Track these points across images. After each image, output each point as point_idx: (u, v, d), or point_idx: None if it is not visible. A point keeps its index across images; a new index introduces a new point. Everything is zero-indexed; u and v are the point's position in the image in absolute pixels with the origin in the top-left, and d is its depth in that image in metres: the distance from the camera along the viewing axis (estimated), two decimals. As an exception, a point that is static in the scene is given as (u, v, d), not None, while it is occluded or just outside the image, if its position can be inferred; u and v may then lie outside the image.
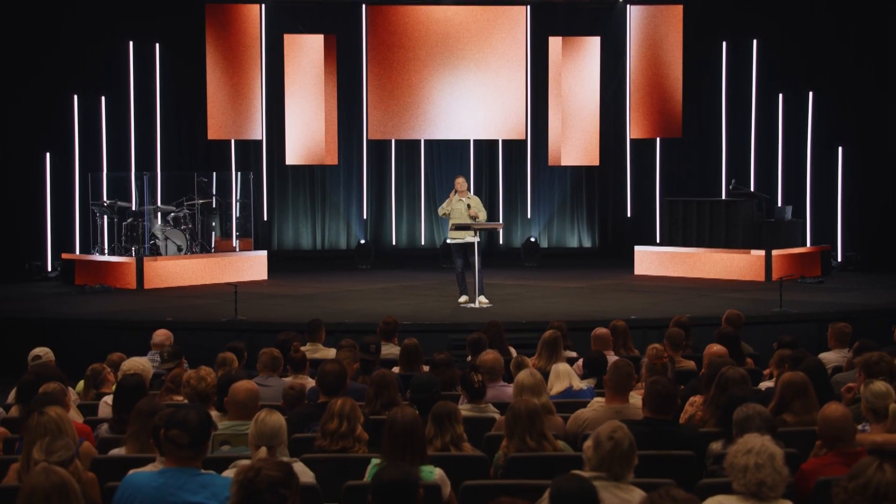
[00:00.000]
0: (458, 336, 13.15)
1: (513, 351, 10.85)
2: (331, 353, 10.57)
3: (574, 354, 10.67)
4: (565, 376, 8.70)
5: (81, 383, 9.11)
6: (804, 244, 20.56)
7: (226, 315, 14.63)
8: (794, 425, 6.88)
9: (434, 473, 5.71)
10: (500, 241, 23.42)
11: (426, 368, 9.56)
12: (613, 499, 4.97)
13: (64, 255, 19.54)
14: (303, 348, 10.54)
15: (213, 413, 7.09)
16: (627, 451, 5.07)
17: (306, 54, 22.33)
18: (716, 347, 9.01)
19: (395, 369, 9.99)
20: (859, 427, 6.62)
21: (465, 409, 7.85)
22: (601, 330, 10.50)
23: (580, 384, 8.73)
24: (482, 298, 15.71)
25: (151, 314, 14.97)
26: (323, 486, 5.85)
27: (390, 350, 10.84)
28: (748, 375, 7.28)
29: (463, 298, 15.93)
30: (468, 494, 5.67)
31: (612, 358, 10.18)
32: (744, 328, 13.79)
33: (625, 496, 5.00)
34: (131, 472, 5.19)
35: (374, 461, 5.82)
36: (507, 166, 23.51)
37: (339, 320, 14.20)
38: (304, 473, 5.77)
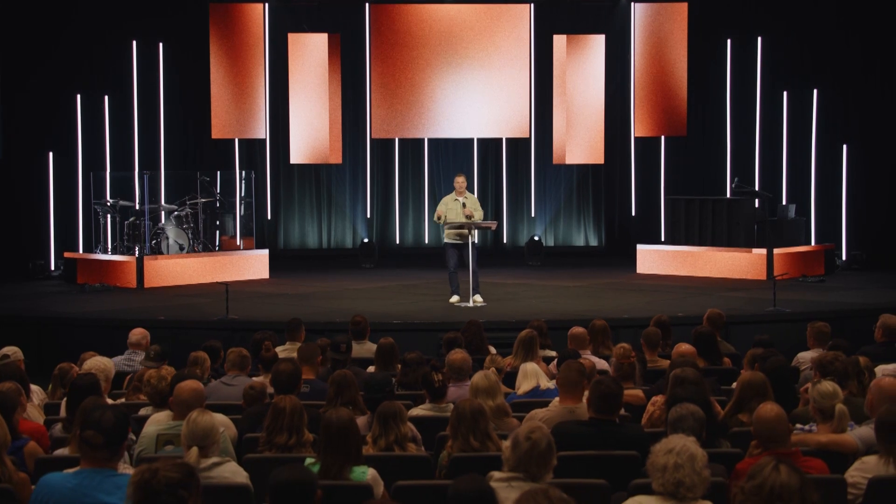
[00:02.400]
0: (449, 335, 13.14)
1: (492, 350, 10.83)
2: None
3: (553, 354, 10.62)
4: (533, 376, 8.68)
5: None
6: (808, 243, 20.46)
7: (218, 314, 14.64)
8: (749, 425, 6.84)
9: (367, 474, 5.70)
10: (504, 240, 23.41)
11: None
12: (530, 500, 4.94)
13: (66, 254, 19.60)
14: (281, 348, 10.60)
15: (167, 412, 7.10)
16: (545, 451, 5.05)
17: (310, 53, 22.35)
18: (684, 347, 9.00)
19: (371, 368, 10.02)
20: (806, 427, 6.59)
21: (425, 408, 7.87)
22: (577, 329, 10.47)
23: (548, 384, 8.69)
24: (477, 297, 15.70)
25: (145, 313, 15.03)
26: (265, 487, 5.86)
27: (365, 348, 10.85)
28: (701, 375, 7.23)
29: (454, 298, 15.89)
30: (399, 495, 5.67)
31: (588, 357, 10.19)
32: (736, 327, 13.92)
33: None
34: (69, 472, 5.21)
35: (309, 460, 5.82)
36: (510, 165, 23.45)
37: (330, 319, 14.24)
38: (238, 474, 5.79)
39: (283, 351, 10.47)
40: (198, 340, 12.87)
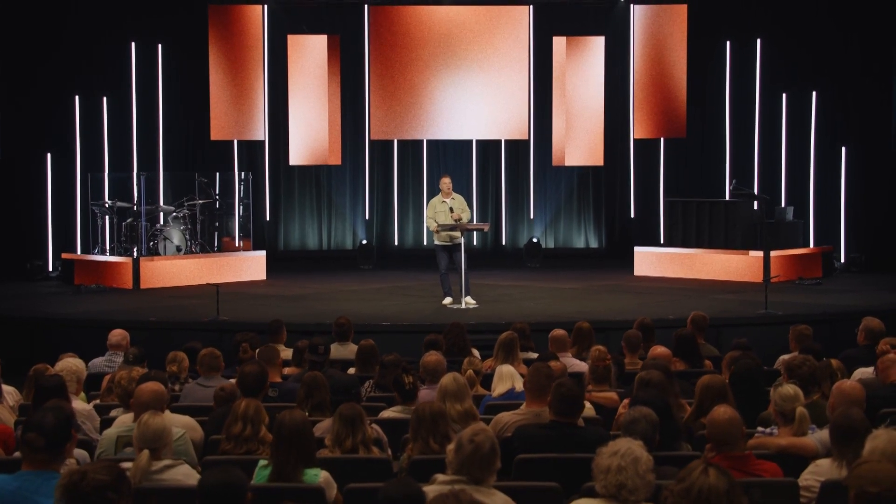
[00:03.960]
0: (437, 337, 13.10)
1: (475, 352, 10.83)
2: (289, 354, 10.57)
3: (535, 356, 10.59)
4: (508, 378, 8.64)
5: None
6: (806, 245, 20.40)
7: (210, 315, 14.64)
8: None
9: (319, 476, 5.70)
10: (504, 242, 23.42)
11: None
12: (473, 503, 4.92)
13: (64, 255, 19.67)
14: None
15: (132, 414, 7.09)
16: (488, 454, 5.02)
17: (310, 55, 22.38)
18: (659, 349, 8.97)
19: (352, 370, 10.03)
20: (767, 430, 6.57)
21: (395, 410, 7.86)
22: (558, 332, 10.45)
23: (522, 386, 8.66)
24: (468, 299, 15.69)
25: (137, 314, 15.07)
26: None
27: (348, 350, 10.85)
28: (666, 378, 7.20)
29: (447, 300, 15.89)
30: (351, 497, 5.66)
31: (567, 360, 10.18)
32: (728, 330, 13.85)
33: (485, 500, 4.95)
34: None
35: (262, 462, 5.82)
36: (509, 166, 23.45)
37: (320, 321, 14.21)
38: (190, 476, 5.78)
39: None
40: (187, 341, 12.90)
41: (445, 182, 16.05)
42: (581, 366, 9.82)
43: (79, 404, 7.78)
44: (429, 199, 22.39)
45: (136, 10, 21.00)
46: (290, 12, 22.47)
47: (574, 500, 4.97)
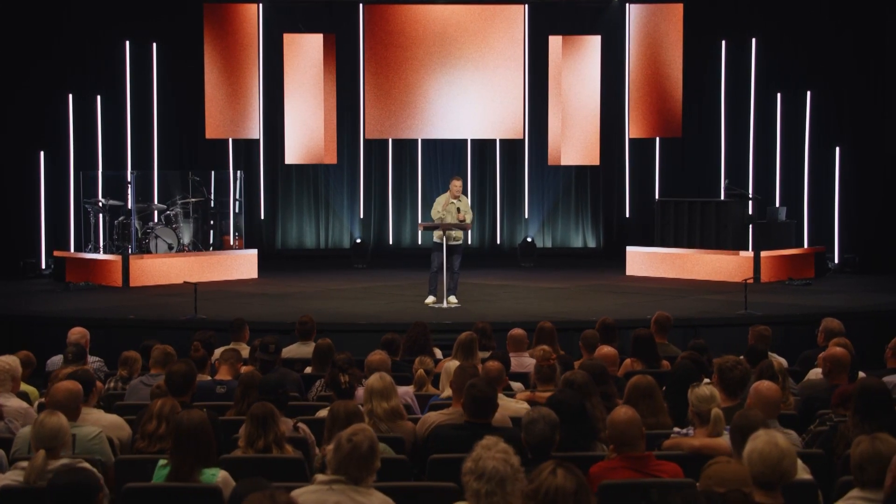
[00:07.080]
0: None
1: (437, 352, 10.80)
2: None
3: (494, 356, 10.54)
4: (456, 377, 8.60)
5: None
6: (800, 245, 20.29)
7: (188, 313, 14.63)
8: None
9: (217, 476, 5.67)
10: (499, 241, 23.40)
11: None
12: (350, 503, 4.89)
13: (56, 253, 19.71)
14: (224, 348, 10.55)
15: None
16: (366, 454, 4.98)
17: (306, 53, 22.40)
18: (605, 349, 8.91)
19: (308, 369, 10.01)
20: (683, 431, 6.53)
21: (331, 409, 7.82)
22: (517, 331, 10.40)
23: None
24: (451, 298, 15.70)
25: (119, 312, 15.07)
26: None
27: (309, 349, 10.81)
28: (590, 379, 7.14)
29: (430, 299, 15.87)
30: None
31: (524, 360, 10.13)
32: (706, 330, 13.77)
33: (362, 500, 4.92)
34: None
35: (161, 461, 5.80)
36: (504, 166, 23.44)
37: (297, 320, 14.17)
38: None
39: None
40: (163, 340, 12.87)
41: (456, 185, 16.01)
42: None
43: (14, 402, 7.76)
44: (423, 198, 22.61)
45: (131, 9, 21.08)
46: (285, 11, 22.51)
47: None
